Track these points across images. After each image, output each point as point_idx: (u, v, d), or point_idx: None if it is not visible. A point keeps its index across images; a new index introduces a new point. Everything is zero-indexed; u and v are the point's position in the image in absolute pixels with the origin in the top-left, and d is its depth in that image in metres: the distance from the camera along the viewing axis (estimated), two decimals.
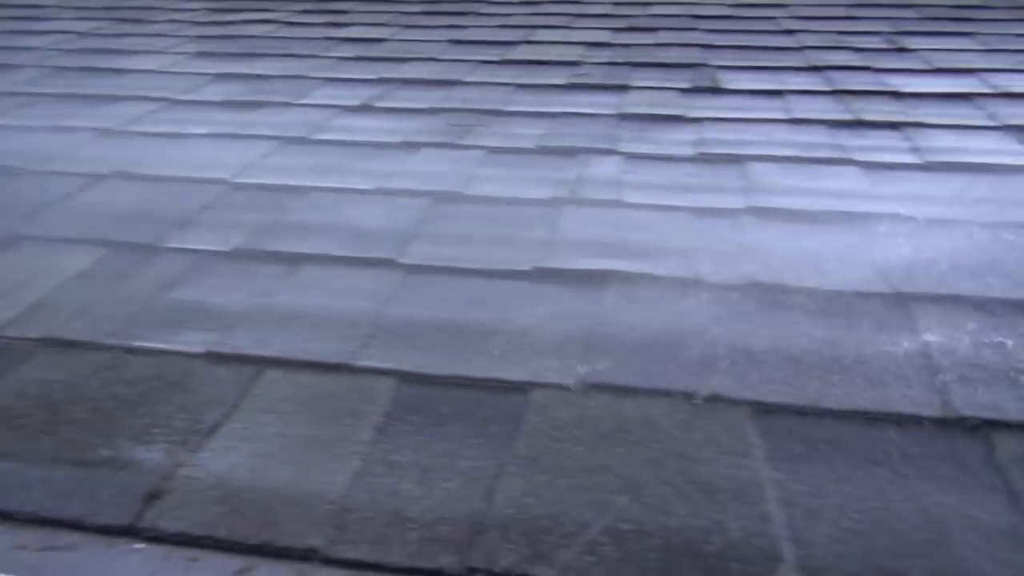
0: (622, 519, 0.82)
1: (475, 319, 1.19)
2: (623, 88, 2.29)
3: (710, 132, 1.92)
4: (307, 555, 0.79)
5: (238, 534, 0.82)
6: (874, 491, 0.86)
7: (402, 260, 1.36)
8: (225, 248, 1.41)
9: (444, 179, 1.69)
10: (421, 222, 1.50)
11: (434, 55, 2.66)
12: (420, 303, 1.24)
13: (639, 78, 2.38)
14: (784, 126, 1.95)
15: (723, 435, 0.95)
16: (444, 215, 1.53)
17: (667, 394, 1.02)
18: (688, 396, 1.01)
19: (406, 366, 1.08)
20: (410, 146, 1.88)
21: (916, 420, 0.97)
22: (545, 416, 0.98)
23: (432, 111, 2.13)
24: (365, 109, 2.16)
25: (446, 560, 0.78)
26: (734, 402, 1.00)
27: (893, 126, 1.93)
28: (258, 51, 2.76)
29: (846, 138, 1.86)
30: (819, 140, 1.86)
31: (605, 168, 1.73)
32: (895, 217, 1.47)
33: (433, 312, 1.21)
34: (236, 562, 0.79)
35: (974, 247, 1.35)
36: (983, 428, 0.95)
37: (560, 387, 1.03)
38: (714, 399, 1.01)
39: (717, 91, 2.24)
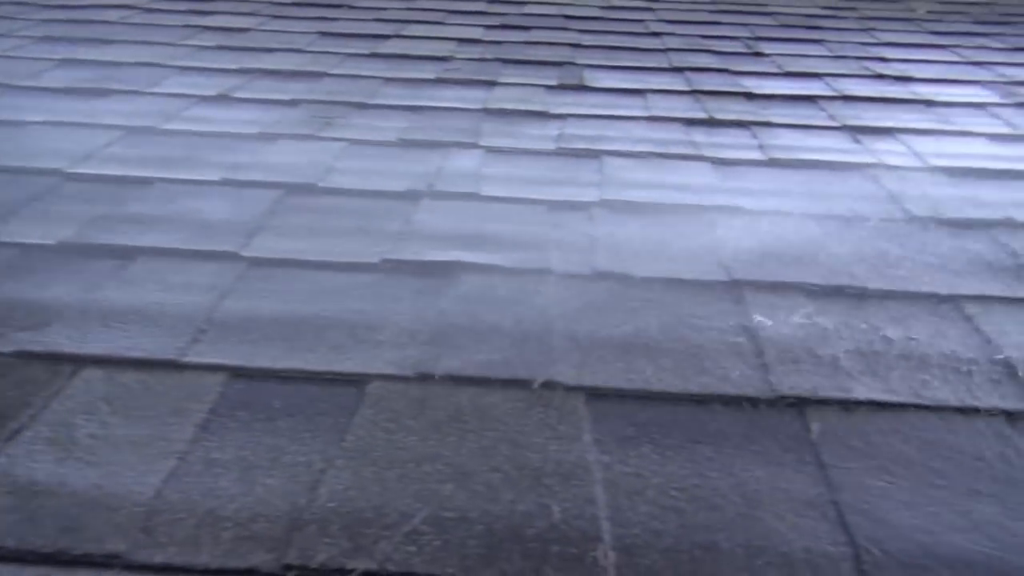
0: (447, 507, 0.82)
1: (316, 312, 1.15)
2: (491, 84, 2.29)
3: (572, 128, 1.95)
4: (108, 561, 0.74)
5: (30, 543, 0.75)
6: (695, 470, 0.89)
7: (245, 253, 1.31)
8: (50, 241, 1.32)
9: (299, 171, 1.64)
10: (270, 214, 1.45)
11: (301, 47, 2.59)
12: (259, 297, 1.19)
13: (508, 74, 2.39)
14: (643, 123, 2.01)
15: (557, 421, 0.96)
16: (295, 207, 1.49)
17: (505, 383, 1.02)
18: (526, 384, 1.01)
19: (237, 361, 1.03)
20: (266, 137, 1.82)
21: (739, 400, 1.01)
22: (379, 408, 0.96)
23: (294, 102, 2.06)
24: (222, 99, 2.07)
25: (260, 559, 0.75)
26: (570, 388, 1.01)
27: (743, 125, 2.02)
28: (110, 37, 2.60)
29: (699, 135, 1.94)
30: (674, 137, 1.92)
31: (465, 162, 1.72)
32: (738, 210, 1.53)
33: (272, 306, 1.17)
34: (27, 573, 0.73)
35: (805, 237, 1.43)
36: (799, 406, 1.00)
37: (398, 379, 1.02)
38: (551, 386, 1.02)
39: (583, 89, 2.28)
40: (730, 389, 1.02)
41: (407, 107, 2.06)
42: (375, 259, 1.30)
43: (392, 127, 1.91)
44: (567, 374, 1.04)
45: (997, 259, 1.37)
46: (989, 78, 2.51)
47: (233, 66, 2.34)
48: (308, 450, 0.89)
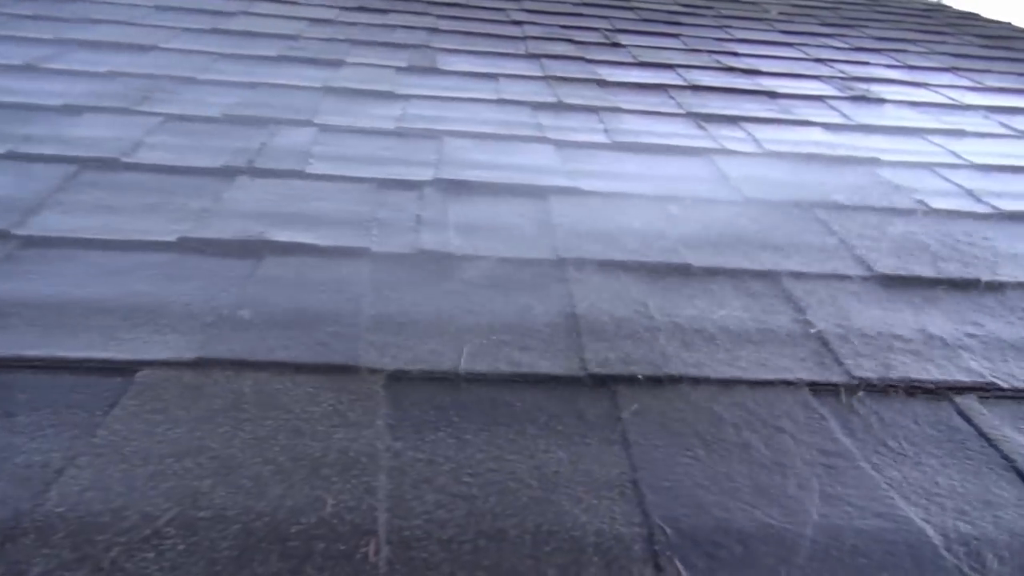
0: (201, 506, 0.71)
1: (89, 295, 1.02)
2: (337, 64, 2.18)
3: (416, 109, 1.87)
4: None
5: None
6: (493, 453, 0.83)
7: (18, 231, 1.15)
8: None
9: (101, 145, 1.48)
10: (58, 191, 1.29)
11: (132, 19, 2.39)
12: (27, 279, 1.04)
13: (358, 55, 2.29)
14: (491, 106, 1.95)
15: (349, 407, 0.87)
16: (90, 183, 1.33)
17: (297, 367, 0.92)
18: (319, 368, 0.92)
19: None
20: (70, 110, 1.64)
21: (550, 380, 0.95)
22: (146, 398, 0.85)
23: (111, 75, 1.88)
24: (28, 70, 1.86)
25: None
26: (371, 371, 0.93)
27: (592, 110, 2.00)
28: None
29: (547, 119, 1.90)
30: (520, 120, 1.87)
31: (295, 138, 1.61)
32: (574, 191, 1.49)
33: (39, 289, 1.02)
34: None
35: (637, 218, 1.40)
36: (611, 384, 0.96)
37: (172, 365, 0.90)
38: (349, 370, 0.93)
39: (434, 71, 2.20)
40: (542, 369, 0.97)
41: (240, 83, 1.92)
42: (171, 237, 1.17)
43: (219, 103, 1.76)
44: (368, 357, 0.95)
45: (819, 238, 1.39)
46: (830, 74, 2.61)
47: (48, 36, 2.12)
48: (48, 448, 0.77)
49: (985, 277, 1.29)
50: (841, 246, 1.37)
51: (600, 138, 1.80)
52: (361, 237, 1.24)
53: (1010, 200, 1.63)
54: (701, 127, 1.95)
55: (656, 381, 0.97)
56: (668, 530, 0.74)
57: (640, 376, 0.97)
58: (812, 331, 1.10)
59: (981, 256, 1.37)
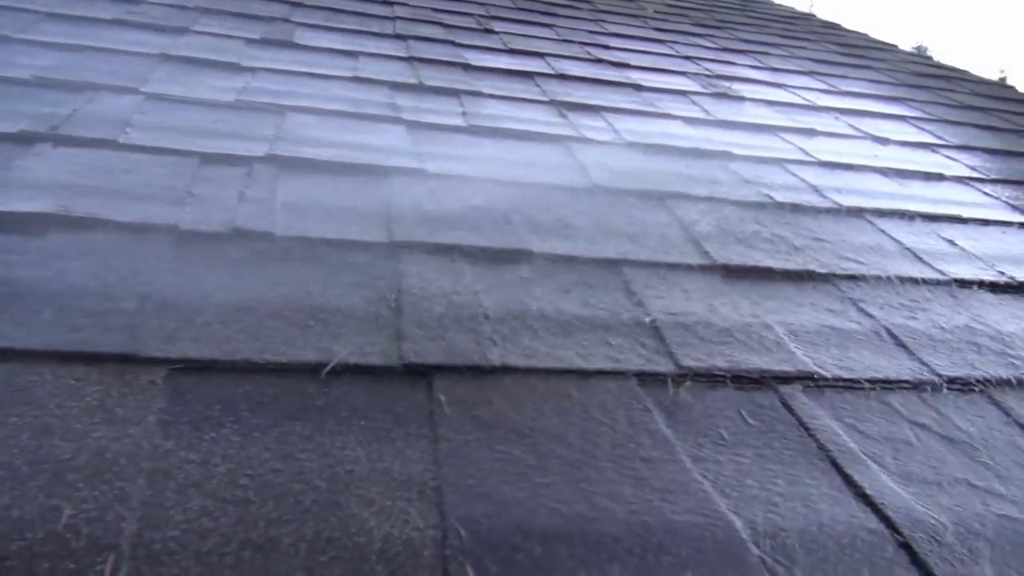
0: None
1: None
2: (181, 31, 2.01)
3: (261, 82, 1.74)
4: None
5: None
6: (282, 452, 0.74)
7: None
8: None
9: None
10: None
11: None
12: None
13: (206, 24, 2.12)
14: (345, 84, 1.85)
15: (118, 402, 0.76)
16: None
17: (63, 357, 0.80)
18: (91, 358, 0.81)
19: None
20: None
21: (362, 370, 0.88)
22: None
23: None
24: None
25: None
26: (152, 362, 0.82)
27: (453, 93, 1.93)
28: None
29: (404, 100, 1.81)
30: (375, 99, 1.78)
31: (113, 106, 1.45)
32: (420, 172, 1.42)
33: None
34: None
35: (483, 202, 1.34)
36: (427, 375, 0.89)
37: None
38: (125, 359, 0.82)
39: (289, 46, 2.07)
40: (354, 359, 0.89)
41: (63, 45, 1.73)
42: None
43: (32, 64, 1.58)
44: (150, 345, 0.84)
45: (664, 228, 1.37)
46: (695, 71, 2.65)
47: None
48: None
49: (820, 269, 1.31)
50: (685, 236, 1.35)
51: (457, 121, 1.73)
52: (170, 213, 1.12)
53: (851, 196, 1.68)
54: (562, 115, 1.91)
55: (477, 371, 0.91)
56: (464, 533, 0.68)
57: (460, 366, 0.91)
58: (646, 320, 1.07)
59: (818, 249, 1.40)
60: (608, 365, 0.96)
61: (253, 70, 1.81)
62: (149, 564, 0.60)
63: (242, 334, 0.89)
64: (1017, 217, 1.74)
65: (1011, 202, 1.85)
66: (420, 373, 0.89)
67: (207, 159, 1.31)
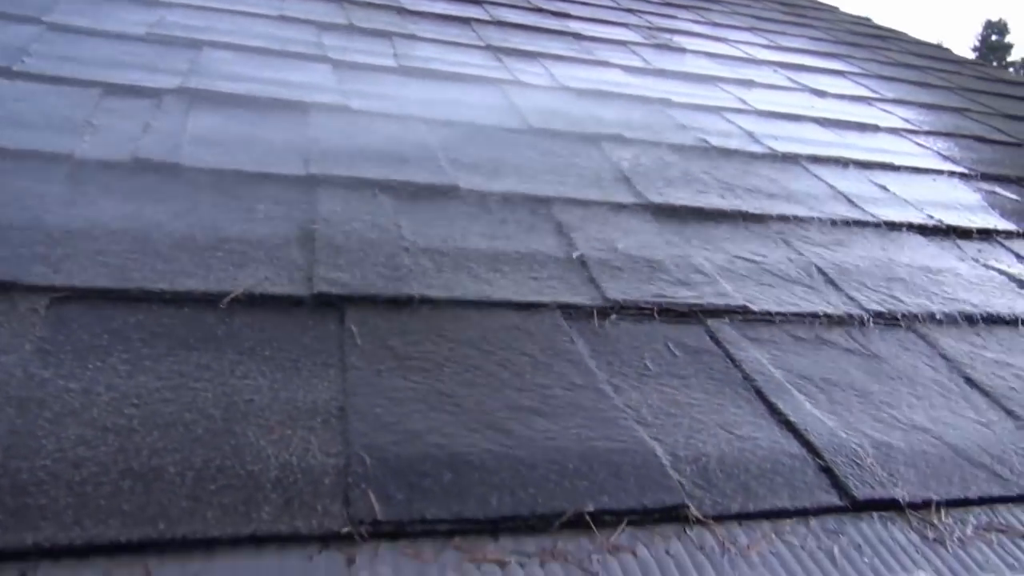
0: None
1: None
2: None
3: (177, 17, 1.64)
4: None
5: None
6: (173, 382, 0.69)
7: None
8: None
9: None
10: None
11: None
12: None
13: None
14: (270, 22, 1.76)
15: None
16: None
17: None
18: None
19: None
20: None
21: (272, 300, 0.82)
22: None
23: None
24: None
25: None
26: (33, 289, 0.76)
27: (385, 35, 1.85)
28: None
29: (332, 40, 1.73)
30: (301, 38, 1.69)
31: (10, 36, 1.35)
32: (344, 109, 1.35)
33: None
34: None
35: (408, 139, 1.29)
36: (340, 305, 0.84)
37: None
38: (7, 287, 0.75)
39: None
40: (260, 289, 0.83)
41: None
42: None
43: None
44: (33, 273, 0.78)
45: (600, 170, 1.34)
46: (637, 23, 2.61)
47: None
48: None
49: (752, 210, 1.30)
50: (618, 177, 1.32)
51: (387, 62, 1.66)
52: (65, 142, 1.03)
53: (787, 143, 1.67)
54: (498, 60, 1.86)
55: (393, 303, 0.86)
56: (369, 460, 0.64)
57: (375, 297, 0.86)
58: (574, 255, 1.04)
59: (752, 191, 1.38)
60: (532, 297, 0.92)
61: (169, 4, 1.70)
62: (13, 495, 0.55)
63: (137, 263, 0.83)
64: (948, 166, 1.76)
65: (943, 152, 1.86)
66: (331, 304, 0.84)
67: (111, 90, 1.23)
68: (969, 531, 0.72)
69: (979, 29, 28.66)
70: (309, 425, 0.67)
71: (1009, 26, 28.10)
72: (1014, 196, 1.67)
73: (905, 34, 3.59)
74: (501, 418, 0.73)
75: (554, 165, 1.31)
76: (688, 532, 0.66)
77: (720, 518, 0.67)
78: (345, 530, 0.58)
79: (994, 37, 26.80)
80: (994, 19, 32.70)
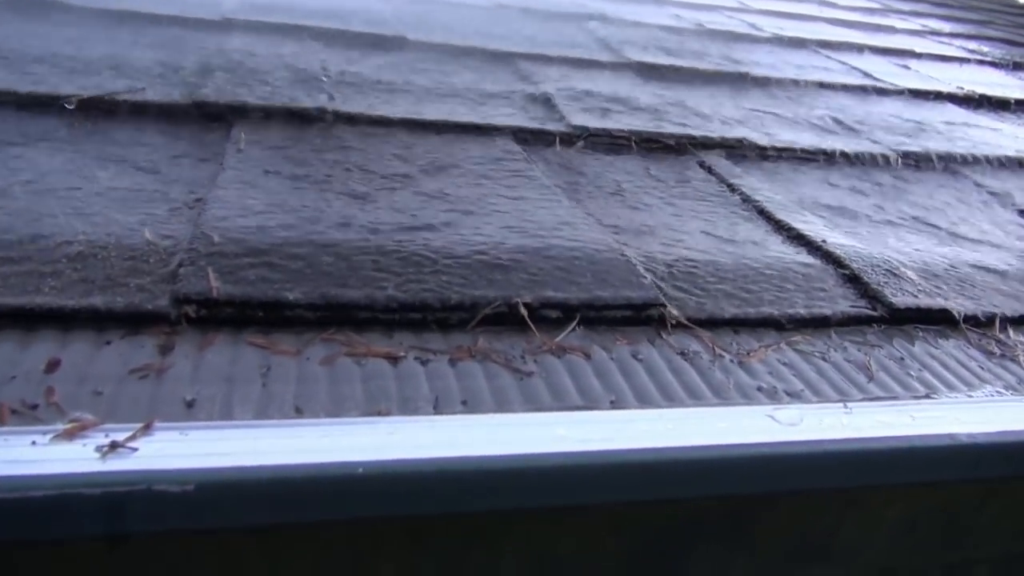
0: None
1: None
2: None
3: None
4: None
5: None
6: (14, 169, 0.52)
7: None
8: None
9: None
10: None
11: None
12: None
13: None
14: None
15: None
16: None
17: None
18: None
19: None
20: None
21: (140, 108, 0.66)
22: None
23: None
24: None
25: None
26: None
27: None
28: None
29: None
30: None
31: None
32: None
33: None
34: None
35: (357, 7, 1.12)
36: (227, 117, 0.67)
37: None
38: None
39: None
40: (147, 96, 0.67)
41: None
42: None
43: None
44: None
45: (580, 39, 1.16)
46: None
47: None
48: None
49: (755, 73, 1.11)
50: (600, 44, 1.15)
51: None
52: None
53: (793, 32, 1.48)
54: None
55: (296, 117, 0.69)
56: (217, 239, 0.47)
57: (270, 109, 0.69)
58: (536, 92, 0.86)
59: (754, 63, 1.19)
60: (476, 120, 0.75)
61: None
62: None
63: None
64: (975, 57, 1.57)
65: (968, 48, 1.67)
66: (219, 117, 0.67)
67: None
68: None
69: None
70: (155, 212, 0.50)
71: None
72: None
73: None
74: (415, 214, 0.55)
75: (529, 34, 1.14)
76: (665, 336, 0.48)
77: (708, 323, 0.49)
78: (165, 310, 0.41)
79: None
80: None
